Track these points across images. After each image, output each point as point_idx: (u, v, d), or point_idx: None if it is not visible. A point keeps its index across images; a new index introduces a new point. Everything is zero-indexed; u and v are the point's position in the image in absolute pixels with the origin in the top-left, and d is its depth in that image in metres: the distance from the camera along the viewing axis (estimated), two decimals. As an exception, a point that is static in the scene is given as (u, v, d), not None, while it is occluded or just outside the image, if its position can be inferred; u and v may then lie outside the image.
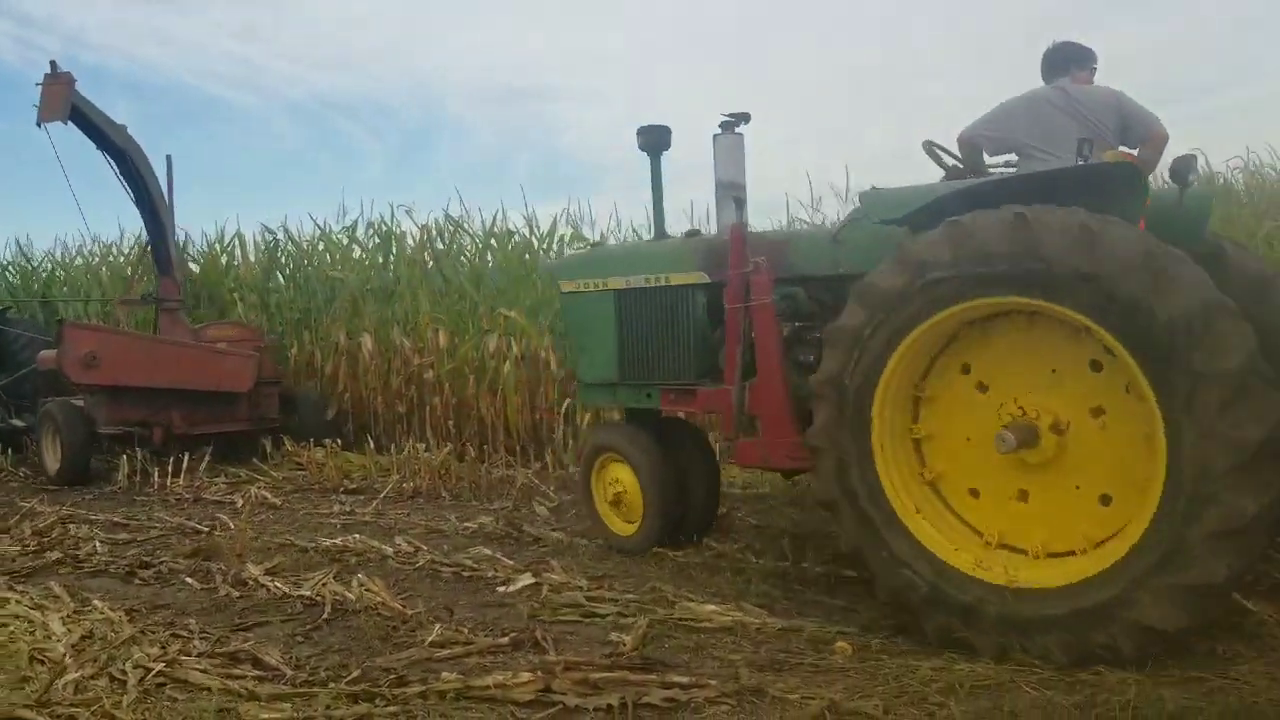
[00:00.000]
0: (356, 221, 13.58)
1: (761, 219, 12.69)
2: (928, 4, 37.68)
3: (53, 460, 10.67)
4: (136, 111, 44.35)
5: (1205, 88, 29.21)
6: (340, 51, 43.27)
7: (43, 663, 4.82)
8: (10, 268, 16.76)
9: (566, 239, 12.16)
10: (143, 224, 11.89)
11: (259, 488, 9.39)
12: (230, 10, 42.49)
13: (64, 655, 4.85)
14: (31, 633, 5.28)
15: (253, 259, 14.35)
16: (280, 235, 13.94)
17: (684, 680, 4.24)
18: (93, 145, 11.05)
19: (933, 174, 6.05)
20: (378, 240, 13.15)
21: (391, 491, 8.93)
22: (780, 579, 5.78)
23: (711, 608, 5.20)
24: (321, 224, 13.80)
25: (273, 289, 13.65)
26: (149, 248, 12.16)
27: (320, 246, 13.72)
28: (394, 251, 12.90)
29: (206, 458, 10.55)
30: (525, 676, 4.34)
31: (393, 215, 13.41)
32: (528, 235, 12.33)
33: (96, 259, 15.90)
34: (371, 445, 10.76)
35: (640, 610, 5.22)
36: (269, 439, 11.23)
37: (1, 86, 38.40)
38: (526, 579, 5.92)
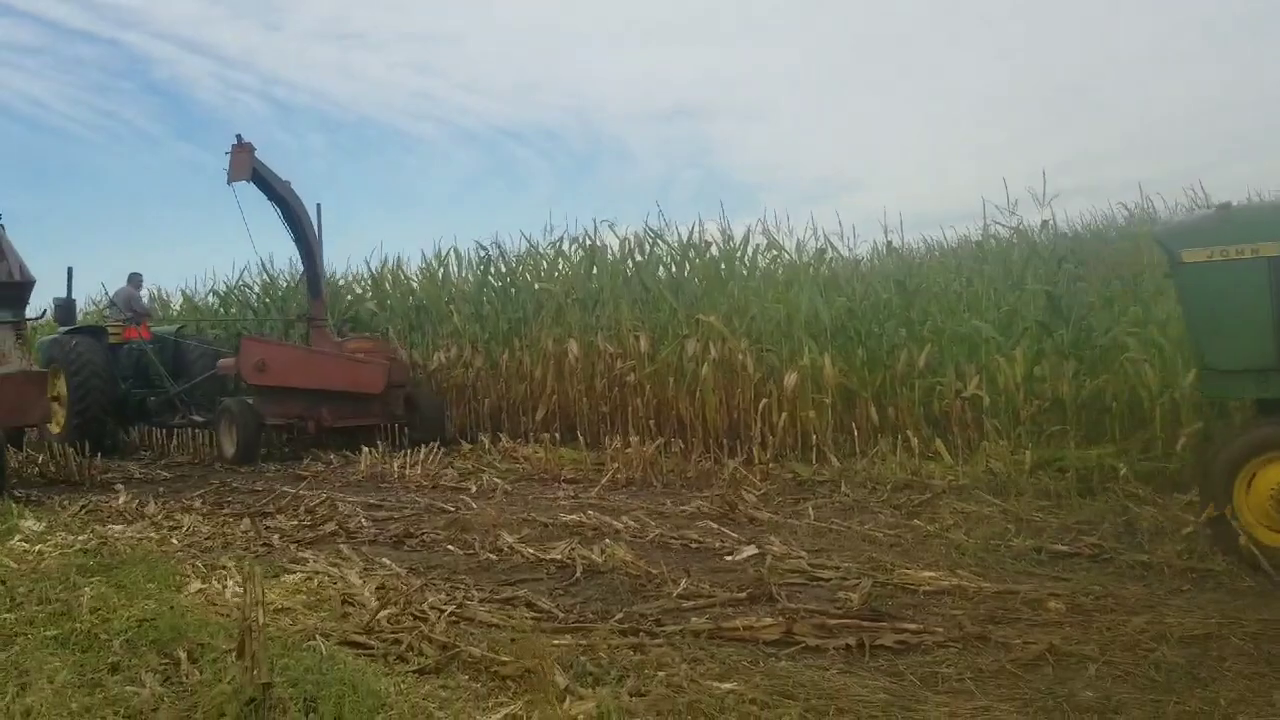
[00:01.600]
0: (562, 236, 14.56)
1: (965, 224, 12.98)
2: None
3: (230, 446, 13.07)
4: (325, 143, 47.56)
5: None
6: (509, 82, 45.30)
7: (352, 604, 5.74)
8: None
9: (761, 248, 12.78)
10: (300, 258, 14.20)
11: (490, 475, 10.34)
12: (408, 46, 45.05)
13: (370, 598, 5.77)
14: (335, 583, 6.23)
15: (467, 274, 15.54)
16: (493, 251, 15.09)
17: (912, 627, 4.80)
18: (265, 197, 13.35)
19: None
20: (582, 253, 14.05)
21: (608, 480, 9.71)
22: (991, 553, 6.23)
23: (929, 574, 5.72)
24: (530, 239, 14.88)
25: (485, 300, 14.76)
26: (305, 277, 14.40)
27: (529, 261, 14.76)
28: (596, 264, 13.77)
29: (440, 452, 11.68)
30: (769, 621, 4.99)
31: (595, 229, 14.33)
32: (724, 246, 12.99)
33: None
34: (582, 442, 11.62)
35: (861, 575, 5.78)
36: (488, 434, 12.39)
37: (202, 121, 42.01)
38: (750, 549, 6.56)
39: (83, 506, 9.53)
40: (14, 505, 9.39)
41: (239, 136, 12.85)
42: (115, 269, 36.28)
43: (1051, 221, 11.36)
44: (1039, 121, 37.04)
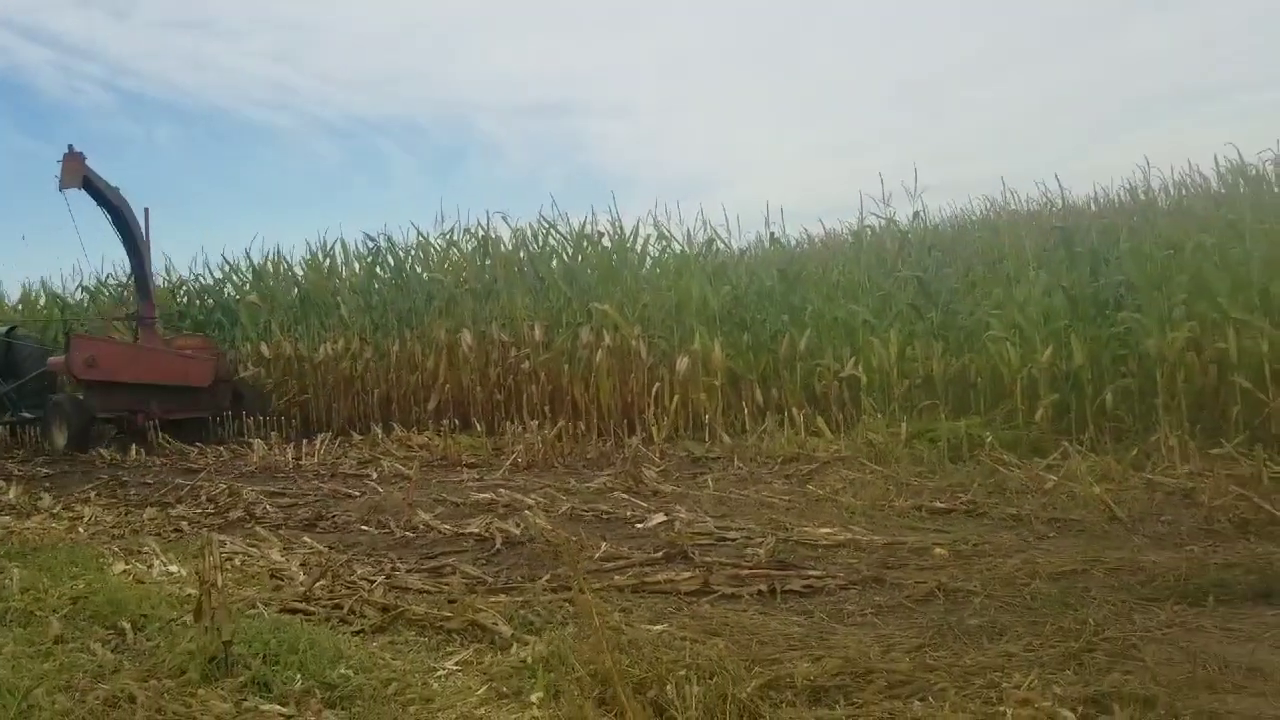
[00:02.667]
0: (454, 227, 14.73)
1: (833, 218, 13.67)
2: (964, 11, 38.48)
3: (60, 438, 13.70)
4: (177, 136, 46.02)
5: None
6: (370, 72, 44.72)
7: (280, 578, 5.93)
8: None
9: (652, 239, 13.25)
10: (129, 260, 14.99)
11: (390, 462, 10.51)
12: (265, 35, 44.02)
13: (299, 572, 5.97)
14: (257, 561, 6.40)
15: (355, 265, 15.57)
16: (381, 242, 15.16)
17: (816, 574, 5.30)
18: (94, 203, 14.03)
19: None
20: (475, 244, 14.27)
21: (510, 464, 10.01)
22: (878, 512, 6.82)
23: (825, 530, 6.26)
24: (420, 231, 15.01)
25: (374, 291, 14.83)
26: (132, 278, 15.24)
27: (419, 253, 14.89)
28: (490, 254, 14.00)
29: (332, 440, 11.76)
30: (687, 574, 5.42)
31: (488, 220, 14.54)
32: (615, 236, 13.40)
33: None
34: (479, 428, 11.88)
35: (764, 534, 6.27)
36: (379, 425, 12.54)
37: (43, 113, 40.25)
38: (660, 517, 6.99)
39: (-36, 502, 9.33)
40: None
41: (70, 146, 13.52)
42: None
43: (923, 212, 12.18)
44: (902, 119, 38.64)
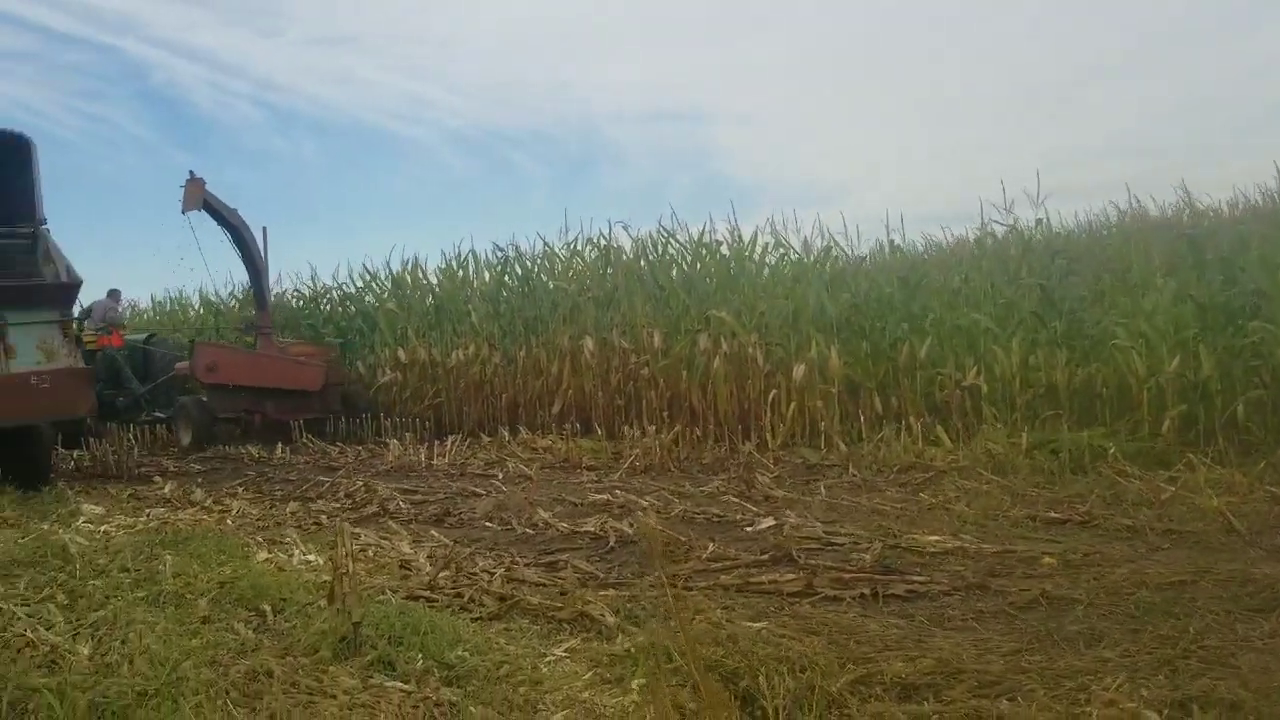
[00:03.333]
0: (577, 237, 15.14)
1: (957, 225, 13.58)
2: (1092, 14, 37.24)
3: (186, 437, 14.87)
4: (321, 149, 48.20)
5: None
6: (503, 84, 45.90)
7: (409, 568, 6.31)
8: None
9: (770, 247, 13.36)
10: (248, 276, 16.06)
11: (515, 463, 10.91)
12: (404, 50, 45.64)
13: (425, 563, 6.34)
14: (388, 552, 6.80)
15: (485, 274, 16.15)
16: (509, 252, 15.69)
17: (920, 579, 5.38)
18: (216, 224, 15.17)
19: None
20: (597, 253, 14.64)
21: (628, 467, 10.27)
22: (990, 521, 6.81)
23: (934, 538, 6.30)
24: (546, 240, 15.49)
25: (503, 299, 15.35)
26: (252, 291, 16.40)
27: (545, 261, 15.35)
28: (612, 262, 14.34)
29: (461, 442, 12.27)
30: (791, 576, 5.57)
31: (610, 230, 14.90)
32: (734, 245, 13.58)
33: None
34: (599, 433, 12.21)
35: (872, 540, 6.36)
36: (506, 428, 13.02)
37: (195, 127, 42.69)
38: (769, 521, 7.13)
39: (130, 495, 10.10)
40: (69, 492, 9.97)
41: (191, 172, 14.59)
42: (111, 274, 36.84)
43: (1045, 220, 11.97)
44: (1027, 122, 37.66)
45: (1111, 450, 8.38)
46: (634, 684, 3.96)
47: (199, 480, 11.43)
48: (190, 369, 14.97)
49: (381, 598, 5.39)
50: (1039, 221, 11.98)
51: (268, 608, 5.24)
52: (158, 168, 44.95)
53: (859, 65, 43.33)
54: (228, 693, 3.97)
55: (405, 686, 4.01)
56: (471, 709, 3.76)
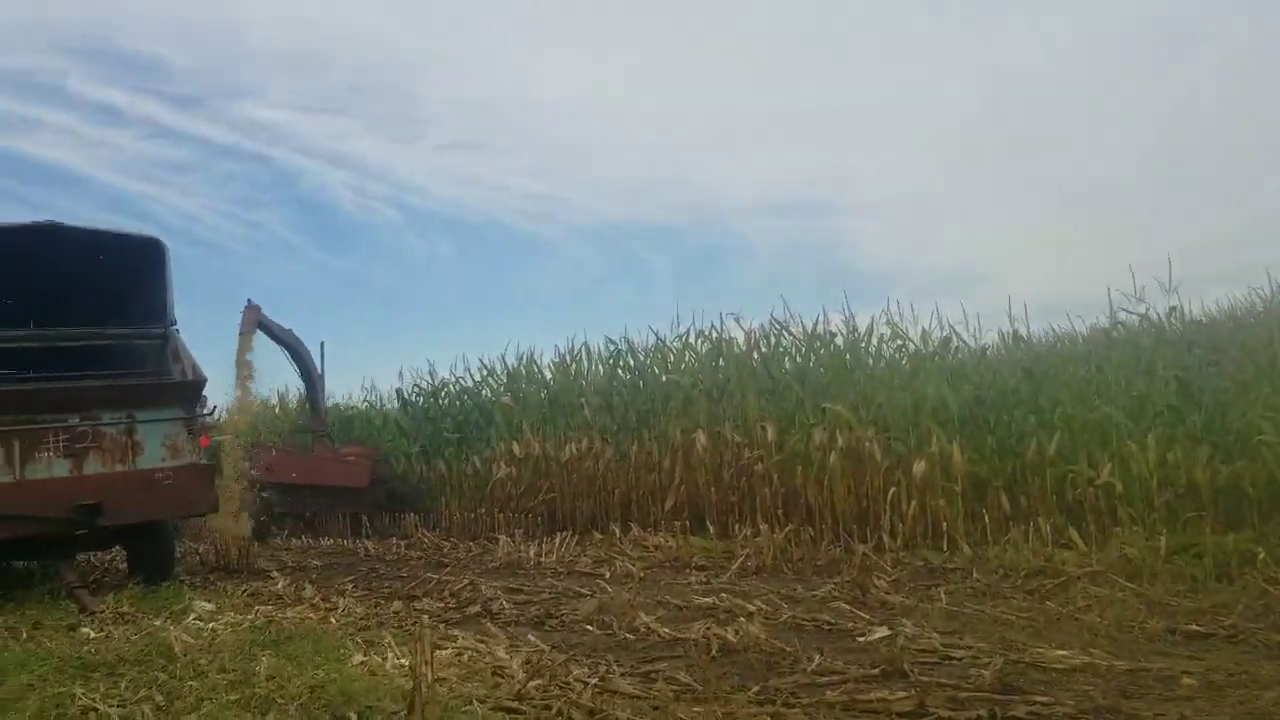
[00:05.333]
0: (688, 329, 15.04)
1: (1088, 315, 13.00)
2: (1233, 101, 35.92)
3: (247, 529, 15.26)
4: (454, 247, 50.09)
5: None
6: (629, 181, 46.96)
7: (501, 675, 6.11)
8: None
9: (886, 338, 13.00)
10: (304, 385, 17.93)
11: (624, 562, 10.68)
12: (534, 153, 47.46)
13: (518, 670, 6.13)
14: (484, 657, 6.62)
15: (597, 368, 16.16)
16: (621, 345, 15.68)
17: (1043, 699, 4.91)
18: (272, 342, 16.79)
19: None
20: (708, 345, 14.49)
21: (738, 567, 9.93)
22: (1125, 634, 6.25)
23: (1061, 652, 5.80)
24: (657, 333, 15.42)
25: (615, 392, 15.28)
26: (308, 401, 18.25)
27: (656, 355, 15.27)
28: (723, 355, 14.17)
29: (572, 538, 12.12)
30: (901, 694, 5.16)
31: (721, 322, 14.74)
32: (848, 336, 13.25)
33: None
34: (712, 530, 11.90)
35: (993, 653, 5.88)
36: (617, 524, 12.83)
37: (341, 230, 44.89)
38: (883, 630, 6.71)
39: (244, 590, 10.22)
40: (184, 588, 10.15)
41: (249, 300, 16.29)
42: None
43: (1179, 307, 11.32)
44: (1160, 209, 36.31)
45: (1261, 555, 7.68)
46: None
47: (313, 576, 11.54)
48: (250, 469, 16.11)
49: (468, 708, 5.20)
50: (1173, 309, 11.35)
51: (353, 715, 5.11)
52: (304, 268, 47.32)
53: (992, 149, 42.71)
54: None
55: (477, 809, 3.78)
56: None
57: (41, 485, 9.97)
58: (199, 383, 11.54)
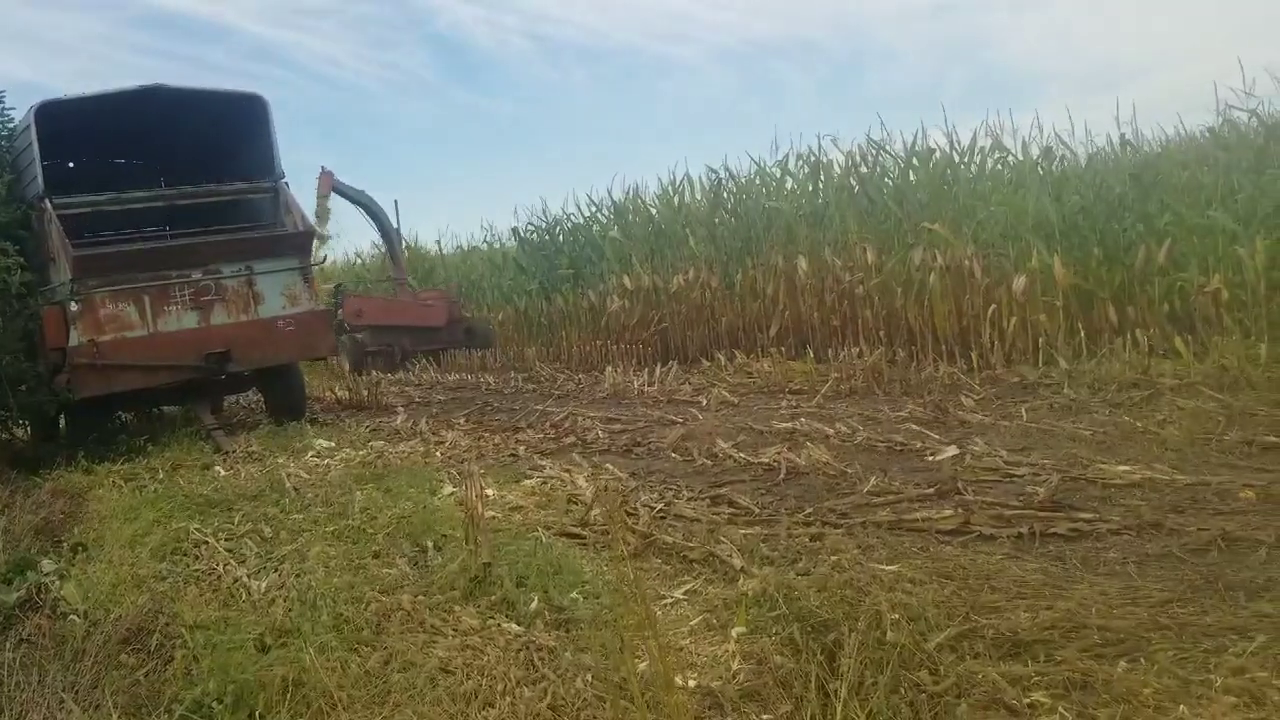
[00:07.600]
0: (787, 155, 14.77)
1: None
2: None
3: (347, 364, 18.49)
4: (588, 75, 49.46)
5: None
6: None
7: (575, 503, 6.46)
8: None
9: (987, 149, 12.48)
10: (383, 242, 20.29)
11: (720, 389, 10.90)
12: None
13: (591, 498, 6.47)
14: (564, 486, 6.99)
15: (700, 197, 16.07)
16: (722, 174, 15.52)
17: (1087, 516, 4.94)
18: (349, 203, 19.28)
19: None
20: (806, 170, 14.21)
21: (830, 390, 10.02)
22: (1196, 447, 6.14)
23: (1123, 468, 5.76)
24: (757, 160, 15.18)
25: (718, 222, 15.24)
26: (388, 253, 20.64)
27: (757, 181, 15.07)
28: (822, 179, 13.89)
29: (680, 367, 12.42)
30: (947, 512, 5.27)
31: (819, 145, 14.40)
32: (948, 151, 12.79)
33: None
34: (811, 354, 11.97)
35: (1054, 470, 5.89)
36: (724, 352, 13.02)
37: (476, 66, 44.74)
38: (951, 450, 6.76)
39: (367, 427, 10.91)
40: (309, 427, 10.89)
41: (323, 167, 18.66)
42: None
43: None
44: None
45: (1371, 362, 7.33)
46: (733, 631, 3.88)
47: (433, 411, 12.18)
48: (342, 314, 17.79)
49: (533, 534, 5.56)
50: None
51: (430, 543, 5.53)
52: (440, 106, 47.78)
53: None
54: (359, 630, 4.24)
55: (518, 629, 4.11)
56: (567, 654, 3.81)
57: (173, 337, 10.71)
58: (309, 234, 12.04)
